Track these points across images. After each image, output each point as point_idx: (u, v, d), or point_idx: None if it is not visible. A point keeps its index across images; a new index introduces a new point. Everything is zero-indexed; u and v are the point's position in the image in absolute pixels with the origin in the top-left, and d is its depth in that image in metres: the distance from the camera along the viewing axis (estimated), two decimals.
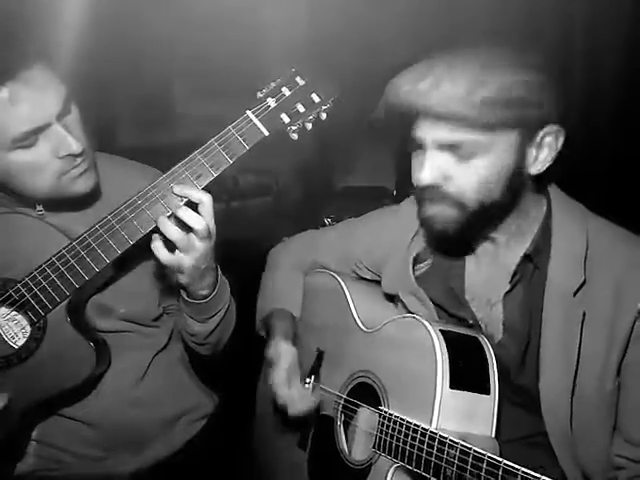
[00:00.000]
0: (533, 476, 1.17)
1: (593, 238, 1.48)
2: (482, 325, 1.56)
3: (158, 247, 1.55)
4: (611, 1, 2.94)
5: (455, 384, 1.42)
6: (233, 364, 2.24)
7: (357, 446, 1.64)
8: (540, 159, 1.46)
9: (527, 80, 1.37)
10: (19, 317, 1.59)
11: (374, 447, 1.52)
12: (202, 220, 1.53)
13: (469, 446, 1.29)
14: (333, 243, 1.90)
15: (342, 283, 1.82)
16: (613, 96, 3.06)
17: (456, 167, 1.43)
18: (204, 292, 1.66)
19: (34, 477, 1.75)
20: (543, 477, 1.16)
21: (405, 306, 1.68)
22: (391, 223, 1.77)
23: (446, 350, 1.44)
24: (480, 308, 1.57)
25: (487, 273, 1.58)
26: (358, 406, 1.65)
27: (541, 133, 1.44)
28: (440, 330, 1.48)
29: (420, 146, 1.48)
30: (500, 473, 1.23)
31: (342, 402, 1.68)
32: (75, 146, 1.54)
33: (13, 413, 1.61)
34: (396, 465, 1.47)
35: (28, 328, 1.59)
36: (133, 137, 3.02)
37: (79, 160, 1.57)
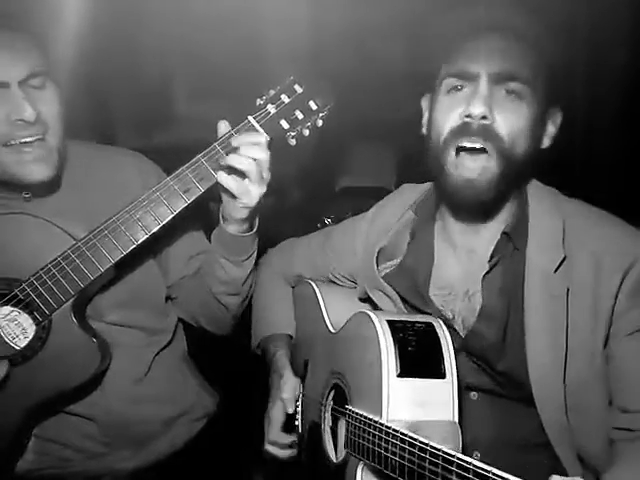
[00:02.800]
0: (468, 462, 1.11)
1: (569, 217, 1.50)
2: (458, 318, 1.56)
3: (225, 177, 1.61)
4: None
5: (404, 372, 1.40)
6: (234, 364, 2.27)
7: (338, 448, 1.64)
8: (548, 134, 1.55)
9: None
10: (20, 317, 1.61)
11: (345, 447, 1.53)
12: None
13: (406, 432, 1.27)
14: (308, 254, 1.92)
15: (316, 289, 1.84)
16: (615, 96, 3.08)
17: (503, 105, 1.44)
18: (248, 225, 1.70)
19: (35, 475, 1.77)
20: (475, 463, 1.10)
21: (375, 303, 1.70)
22: (361, 230, 1.78)
23: (391, 339, 1.42)
24: (457, 300, 1.57)
25: (466, 264, 1.59)
26: (335, 410, 1.65)
27: (553, 109, 1.54)
28: (387, 320, 1.47)
29: (459, 85, 1.48)
30: (427, 456, 1.20)
31: (324, 408, 1.69)
32: (28, 113, 1.52)
33: (18, 412, 1.64)
34: (362, 462, 1.45)
35: (31, 329, 1.61)
36: (132, 138, 3.03)
37: (30, 133, 1.56)
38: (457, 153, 1.46)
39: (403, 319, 1.49)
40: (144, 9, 2.73)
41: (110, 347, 1.72)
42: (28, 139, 1.57)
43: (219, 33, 2.89)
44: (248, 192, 1.61)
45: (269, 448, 1.76)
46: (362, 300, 1.79)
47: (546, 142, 1.55)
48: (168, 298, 1.92)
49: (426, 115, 1.62)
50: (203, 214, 1.90)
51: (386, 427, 1.33)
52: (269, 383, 1.83)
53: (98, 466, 1.79)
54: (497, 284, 1.53)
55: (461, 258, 1.60)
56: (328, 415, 1.68)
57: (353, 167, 3.66)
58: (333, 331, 1.70)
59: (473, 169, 1.45)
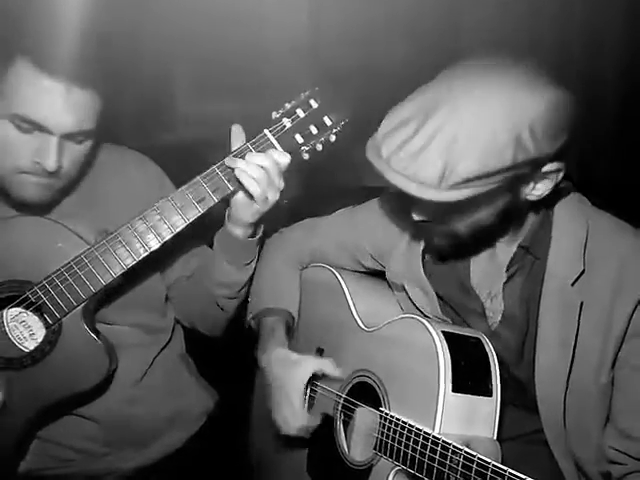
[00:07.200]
0: None
1: (593, 229, 1.47)
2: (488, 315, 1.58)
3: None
4: (610, 5, 2.99)
5: (457, 387, 1.42)
6: (232, 361, 2.28)
7: (356, 446, 1.63)
8: (538, 188, 1.40)
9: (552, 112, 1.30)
10: (28, 319, 1.62)
11: (375, 448, 1.54)
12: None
13: (473, 453, 1.30)
14: (334, 229, 1.86)
15: (340, 279, 1.82)
16: (612, 106, 3.11)
17: (447, 212, 1.40)
18: (253, 230, 1.73)
19: (36, 476, 1.79)
20: None
21: (408, 296, 1.68)
22: (399, 210, 1.72)
23: (449, 353, 1.44)
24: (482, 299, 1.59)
25: (486, 266, 1.59)
26: (357, 405, 1.65)
27: (545, 168, 1.36)
28: (442, 332, 1.48)
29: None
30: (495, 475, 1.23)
31: (342, 402, 1.68)
32: (51, 165, 1.54)
33: (25, 415, 1.65)
34: (397, 468, 1.48)
35: (40, 331, 1.62)
36: (135, 137, 3.02)
37: (47, 179, 1.59)
38: None
39: (456, 332, 1.52)
40: (146, 8, 2.72)
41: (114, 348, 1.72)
42: (40, 172, 1.58)
43: (222, 32, 2.89)
44: (266, 198, 1.64)
45: (296, 433, 1.69)
46: (391, 288, 1.77)
47: (536, 195, 1.42)
48: (166, 298, 1.94)
49: None
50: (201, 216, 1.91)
51: (444, 442, 1.36)
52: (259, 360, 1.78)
53: (99, 466, 1.81)
54: (517, 292, 1.54)
55: (481, 258, 1.60)
56: (343, 410, 1.69)
57: (353, 166, 3.67)
58: (366, 328, 1.69)
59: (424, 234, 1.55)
